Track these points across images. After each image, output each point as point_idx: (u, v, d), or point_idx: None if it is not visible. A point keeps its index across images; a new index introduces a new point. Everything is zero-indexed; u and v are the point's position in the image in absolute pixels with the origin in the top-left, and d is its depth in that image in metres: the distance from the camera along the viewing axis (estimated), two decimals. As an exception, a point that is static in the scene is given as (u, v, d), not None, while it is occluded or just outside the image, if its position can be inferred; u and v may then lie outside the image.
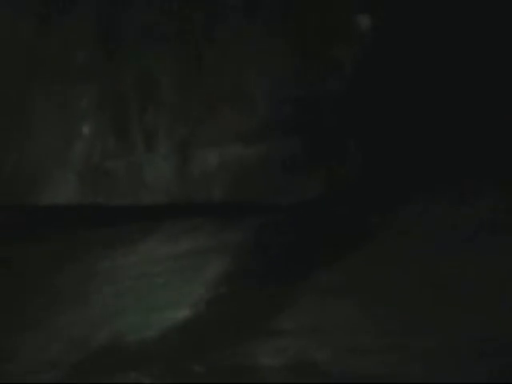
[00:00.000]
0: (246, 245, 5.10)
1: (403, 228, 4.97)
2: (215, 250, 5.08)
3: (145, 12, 5.84)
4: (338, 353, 3.83)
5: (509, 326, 3.80)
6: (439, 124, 5.56)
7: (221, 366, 3.90)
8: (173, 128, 5.83)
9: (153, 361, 4.04)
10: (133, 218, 5.67)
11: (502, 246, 4.50)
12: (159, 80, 5.84)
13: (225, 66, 5.78)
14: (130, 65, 5.85)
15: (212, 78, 5.79)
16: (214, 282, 4.67)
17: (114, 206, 5.77)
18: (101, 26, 5.93)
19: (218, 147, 5.77)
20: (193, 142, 5.81)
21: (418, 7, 5.63)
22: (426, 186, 5.32)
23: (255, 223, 5.36)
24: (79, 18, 5.94)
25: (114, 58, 5.89)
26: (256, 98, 5.75)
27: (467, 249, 4.55)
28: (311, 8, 5.70)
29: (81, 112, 5.91)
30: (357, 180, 5.58)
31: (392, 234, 4.93)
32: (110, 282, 4.87)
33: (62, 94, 5.93)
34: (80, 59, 5.92)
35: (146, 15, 5.84)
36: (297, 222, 5.31)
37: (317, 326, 4.05)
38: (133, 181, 5.87)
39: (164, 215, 5.66)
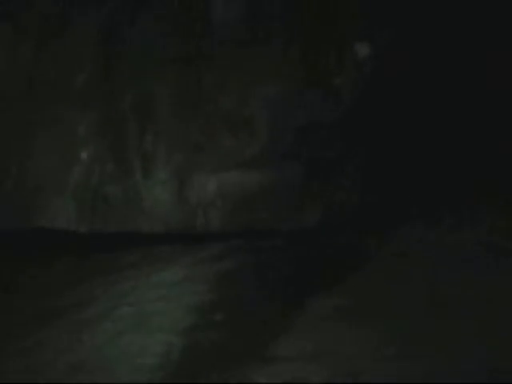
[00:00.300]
0: (244, 271, 5.06)
1: (402, 251, 4.95)
2: (213, 276, 5.03)
3: (145, 36, 5.85)
4: (334, 378, 3.76)
5: (508, 348, 3.75)
6: (437, 149, 5.56)
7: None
8: (171, 154, 5.79)
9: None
10: (131, 244, 5.64)
11: (500, 268, 4.48)
12: (158, 106, 5.82)
13: (225, 93, 5.76)
14: (128, 89, 5.83)
15: (212, 105, 5.78)
16: (211, 308, 4.61)
17: (112, 231, 5.77)
18: (100, 51, 5.93)
19: (217, 174, 5.74)
20: (191, 168, 5.78)
21: (418, 36, 5.64)
22: (425, 210, 5.31)
23: (254, 249, 5.33)
24: (78, 43, 5.95)
25: (113, 82, 5.88)
26: (256, 124, 5.73)
27: (466, 271, 4.52)
28: (312, 36, 5.70)
29: (80, 136, 5.88)
30: (356, 205, 5.57)
31: (391, 257, 4.90)
32: (108, 307, 4.82)
33: (62, 118, 5.90)
34: (79, 84, 5.91)
35: (145, 40, 5.85)
36: (296, 247, 5.29)
37: (313, 351, 3.99)
38: (131, 207, 5.82)
39: (163, 241, 5.64)
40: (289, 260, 5.11)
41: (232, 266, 5.13)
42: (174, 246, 5.55)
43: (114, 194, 5.81)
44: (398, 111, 5.55)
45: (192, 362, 4.12)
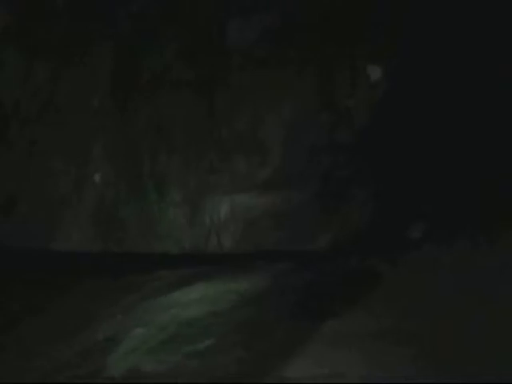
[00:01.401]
0: (257, 293, 4.99)
1: (415, 273, 4.86)
2: (226, 298, 5.00)
3: (159, 61, 5.89)
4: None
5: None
6: (450, 170, 5.53)
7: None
8: (184, 176, 5.80)
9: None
10: (145, 265, 5.60)
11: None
12: (171, 129, 5.85)
13: (238, 115, 5.78)
14: (142, 113, 5.85)
15: (225, 127, 5.79)
16: (225, 330, 4.56)
17: (126, 253, 5.79)
18: (114, 76, 5.97)
19: (230, 196, 5.74)
20: (204, 190, 5.78)
21: (428, 57, 5.65)
22: (438, 231, 5.27)
23: (267, 271, 5.25)
24: (93, 69, 5.98)
25: (127, 106, 5.90)
26: (269, 147, 5.73)
27: (481, 292, 4.48)
28: (326, 59, 5.71)
29: (93, 159, 5.91)
30: (368, 226, 5.56)
31: (404, 280, 4.81)
32: (121, 328, 4.80)
33: (76, 140, 5.94)
34: (93, 106, 5.94)
35: (160, 64, 5.88)
36: (309, 269, 5.23)
37: (328, 373, 3.89)
38: (144, 229, 5.83)
39: (176, 262, 5.60)
40: (302, 282, 5.04)
41: (245, 288, 5.07)
42: (187, 267, 5.52)
43: (127, 215, 5.82)
44: (410, 131, 5.54)
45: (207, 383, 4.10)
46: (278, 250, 5.55)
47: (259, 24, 5.68)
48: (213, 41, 5.75)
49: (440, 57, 5.59)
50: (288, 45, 5.64)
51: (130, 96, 5.87)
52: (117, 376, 4.24)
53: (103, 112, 5.89)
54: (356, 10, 5.66)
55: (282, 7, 5.68)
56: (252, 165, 5.67)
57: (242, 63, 5.69)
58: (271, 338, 4.42)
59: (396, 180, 5.54)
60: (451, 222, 5.28)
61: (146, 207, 5.78)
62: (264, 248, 5.60)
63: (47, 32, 5.94)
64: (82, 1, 5.95)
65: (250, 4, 5.72)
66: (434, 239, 5.19)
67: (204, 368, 4.20)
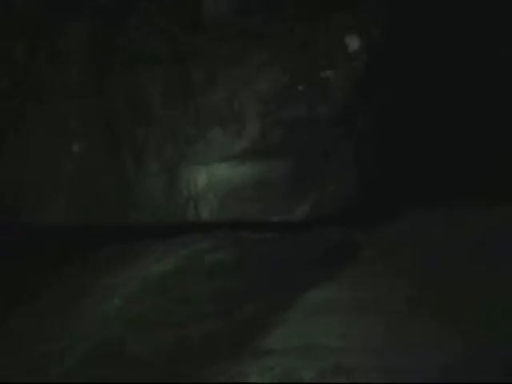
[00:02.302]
0: (234, 263, 5.00)
1: (391, 245, 4.88)
2: (203, 269, 4.97)
3: (136, 34, 5.87)
4: (324, 372, 3.76)
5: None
6: (430, 144, 5.54)
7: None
8: (162, 147, 5.82)
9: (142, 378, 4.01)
10: (122, 236, 5.58)
11: (490, 266, 4.47)
12: (150, 100, 5.83)
13: (215, 87, 5.78)
14: (120, 84, 5.84)
15: (202, 99, 5.79)
16: (202, 301, 4.56)
17: (103, 224, 5.80)
18: (93, 46, 5.95)
19: (207, 167, 5.76)
20: (182, 161, 5.80)
21: (413, 28, 5.63)
22: (416, 206, 5.29)
23: (244, 242, 5.27)
24: (72, 38, 5.96)
25: (105, 77, 5.89)
26: (246, 119, 5.75)
27: (455, 267, 4.49)
28: (303, 31, 5.71)
29: (71, 130, 5.91)
30: (345, 199, 5.59)
31: (380, 251, 4.81)
32: (98, 300, 4.81)
33: (54, 111, 5.93)
34: (71, 79, 5.91)
35: (137, 37, 5.86)
36: (285, 240, 5.24)
37: (303, 345, 3.89)
38: (122, 199, 5.84)
39: (153, 233, 5.59)
40: (278, 252, 5.05)
41: (222, 258, 5.04)
42: (164, 238, 5.50)
43: (105, 186, 5.84)
44: (391, 104, 5.55)
45: (183, 355, 4.05)
46: (256, 220, 5.57)
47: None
48: (188, 14, 5.73)
49: (424, 27, 5.56)
50: (264, 17, 5.62)
51: (107, 72, 5.85)
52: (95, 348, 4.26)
53: (81, 85, 5.87)
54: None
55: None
56: (229, 136, 5.67)
57: (218, 36, 5.66)
58: (248, 308, 4.43)
59: (375, 152, 5.56)
60: (430, 196, 5.30)
61: (123, 178, 5.79)
62: (242, 218, 5.61)
63: (24, 14, 5.89)
64: None
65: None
66: (416, 212, 5.20)
67: (179, 340, 4.19)
